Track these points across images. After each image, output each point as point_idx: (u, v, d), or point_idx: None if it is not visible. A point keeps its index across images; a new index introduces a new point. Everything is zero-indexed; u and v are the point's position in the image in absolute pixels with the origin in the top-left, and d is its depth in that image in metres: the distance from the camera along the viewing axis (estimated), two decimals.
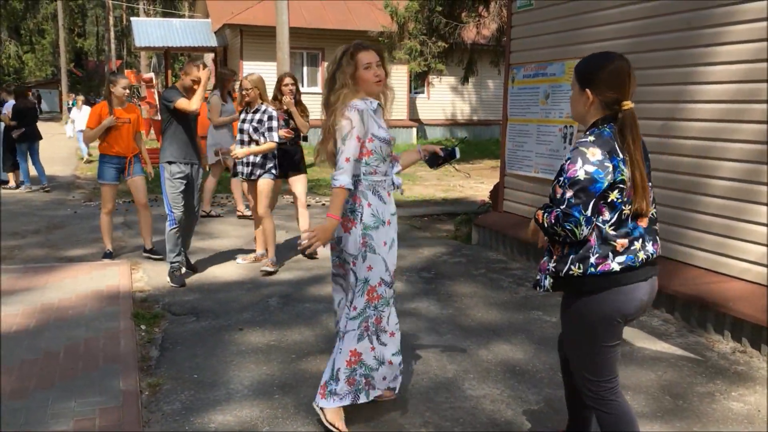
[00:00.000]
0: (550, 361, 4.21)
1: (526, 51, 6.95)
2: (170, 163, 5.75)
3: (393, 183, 3.36)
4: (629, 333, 4.77)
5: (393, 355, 3.36)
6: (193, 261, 6.38)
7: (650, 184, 2.54)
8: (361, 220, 3.20)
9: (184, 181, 5.79)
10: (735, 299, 4.55)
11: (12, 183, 11.69)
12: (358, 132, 3.13)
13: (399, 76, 20.92)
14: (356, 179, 3.19)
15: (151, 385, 3.83)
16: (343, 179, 3.08)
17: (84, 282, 5.69)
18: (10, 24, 50.52)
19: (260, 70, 20.63)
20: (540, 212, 2.57)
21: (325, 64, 21.75)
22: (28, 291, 5.40)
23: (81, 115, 18.02)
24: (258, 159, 6.16)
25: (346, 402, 3.26)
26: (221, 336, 4.63)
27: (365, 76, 3.20)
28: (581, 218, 2.40)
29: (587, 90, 2.52)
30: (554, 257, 2.59)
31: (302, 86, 21.66)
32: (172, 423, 3.40)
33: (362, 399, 3.30)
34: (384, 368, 3.33)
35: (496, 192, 7.58)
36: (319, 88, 21.97)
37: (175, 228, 5.77)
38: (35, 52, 55.65)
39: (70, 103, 24.88)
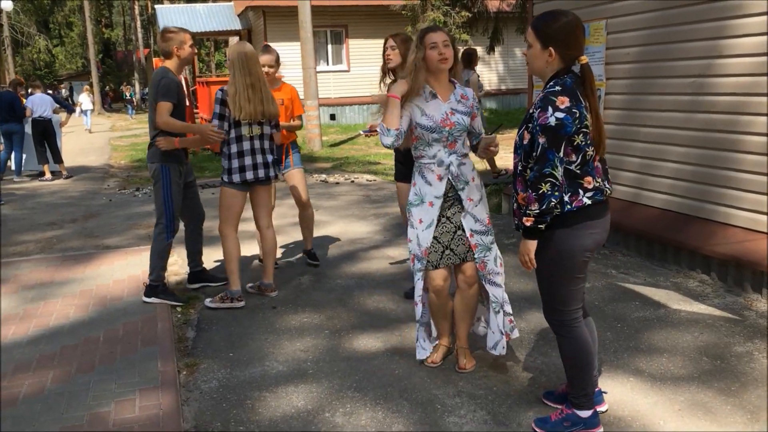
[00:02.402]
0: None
1: None
2: (179, 162, 4.85)
3: (447, 166, 3.46)
4: (664, 296, 4.71)
5: (418, 322, 3.70)
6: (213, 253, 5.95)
7: None
8: (409, 197, 3.59)
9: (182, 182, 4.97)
10: None
11: (48, 175, 11.92)
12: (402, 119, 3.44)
13: None
14: (415, 160, 3.59)
15: (189, 365, 3.90)
16: (385, 143, 3.43)
17: (121, 268, 5.80)
18: (39, 18, 51.21)
19: (285, 51, 20.53)
20: (525, 218, 2.77)
21: (350, 41, 21.70)
22: (68, 280, 5.52)
23: (87, 98, 26.21)
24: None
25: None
26: (255, 315, 4.68)
27: (430, 55, 3.38)
28: (556, 160, 2.68)
29: (550, 47, 2.74)
30: (525, 204, 2.81)
31: (327, 65, 21.64)
32: (210, 401, 3.46)
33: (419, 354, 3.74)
34: (417, 332, 3.75)
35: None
36: (344, 66, 21.93)
37: (171, 242, 4.94)
38: (65, 45, 56.47)
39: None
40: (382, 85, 4.33)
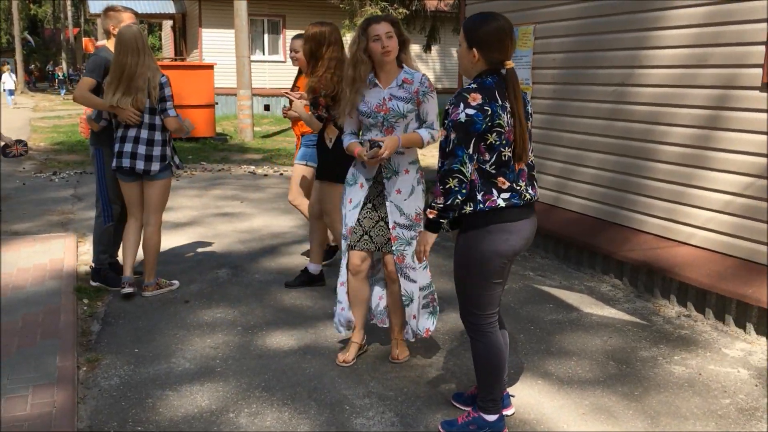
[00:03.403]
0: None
1: None
2: (112, 146, 4.65)
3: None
4: (577, 299, 4.79)
5: (338, 300, 3.73)
6: None
7: (529, 134, 2.85)
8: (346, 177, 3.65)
9: None
10: (682, 264, 4.57)
11: None
12: (347, 110, 3.50)
13: None
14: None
15: (90, 360, 3.72)
16: (348, 140, 3.55)
17: (27, 256, 5.52)
18: None
19: (220, 38, 20.30)
20: (428, 211, 2.78)
21: (287, 31, 21.42)
22: None
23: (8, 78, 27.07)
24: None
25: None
26: (166, 309, 4.52)
27: (373, 47, 3.36)
28: (464, 156, 2.67)
29: (474, 49, 2.76)
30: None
31: (263, 54, 21.32)
32: (108, 399, 3.31)
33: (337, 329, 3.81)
34: (335, 308, 3.78)
35: None
36: (280, 56, 21.65)
37: (111, 224, 4.88)
38: None
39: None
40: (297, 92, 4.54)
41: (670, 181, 4.79)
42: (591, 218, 5.46)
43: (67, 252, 5.65)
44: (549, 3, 5.82)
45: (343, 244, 3.62)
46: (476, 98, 2.68)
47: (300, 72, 5.17)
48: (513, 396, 3.30)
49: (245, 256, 5.80)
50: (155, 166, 4.55)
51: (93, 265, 4.99)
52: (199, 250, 5.98)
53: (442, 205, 2.72)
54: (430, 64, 24.88)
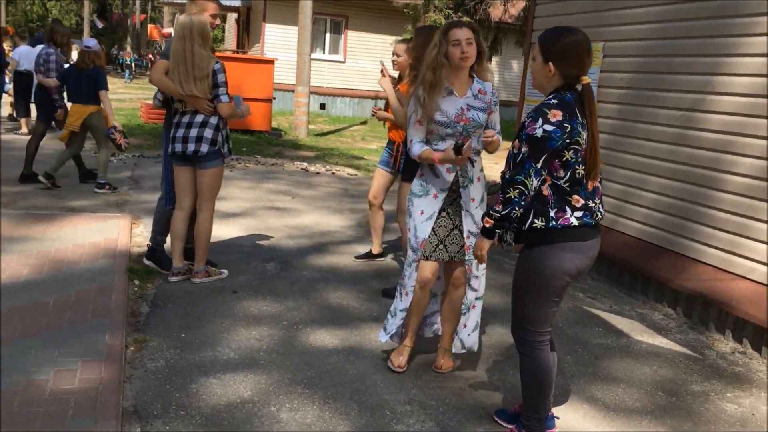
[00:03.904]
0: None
1: None
2: None
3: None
4: (627, 325, 4.68)
5: (400, 310, 3.62)
6: None
7: None
8: (411, 187, 3.57)
9: None
10: (739, 299, 4.42)
11: (24, 129, 11.65)
12: (417, 117, 3.43)
13: None
14: None
15: (138, 341, 3.78)
16: (418, 147, 3.45)
17: (83, 233, 5.65)
18: None
19: (282, 34, 20.51)
20: (486, 218, 2.77)
21: (348, 32, 21.56)
22: (26, 239, 5.36)
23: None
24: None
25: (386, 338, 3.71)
26: (214, 297, 4.57)
27: (452, 52, 3.31)
28: (531, 170, 2.64)
29: (550, 63, 2.72)
30: None
31: (323, 53, 21.48)
32: (154, 380, 3.35)
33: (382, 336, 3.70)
34: (392, 319, 3.66)
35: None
36: (341, 56, 21.78)
37: (171, 208, 4.89)
38: (60, 0, 55.46)
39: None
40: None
41: (734, 213, 4.63)
42: (647, 243, 5.32)
43: (121, 232, 5.76)
44: (620, 22, 5.71)
45: (411, 255, 3.55)
46: (557, 114, 2.64)
47: (400, 77, 5.07)
48: (558, 418, 3.23)
49: (294, 252, 5.83)
50: (204, 148, 4.56)
51: (149, 244, 5.08)
52: (249, 242, 6.03)
53: (499, 215, 2.70)
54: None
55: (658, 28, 5.32)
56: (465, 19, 16.59)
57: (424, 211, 3.49)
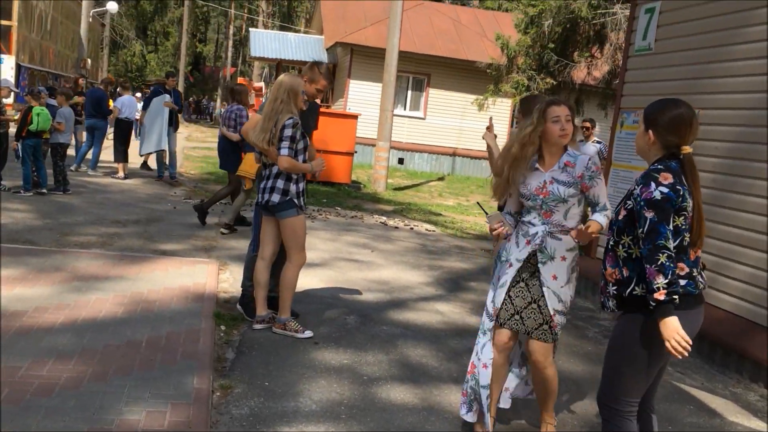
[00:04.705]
0: None
1: (639, 96, 6.71)
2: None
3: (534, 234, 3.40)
4: (721, 405, 4.46)
5: (482, 386, 3.50)
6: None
7: None
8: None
9: None
10: None
11: (121, 173, 12.28)
12: (503, 190, 3.54)
13: (502, 109, 20.75)
14: None
15: (223, 386, 3.86)
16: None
17: (174, 276, 5.86)
18: (139, 24, 53.70)
19: (365, 90, 21.06)
20: (654, 296, 2.57)
21: (430, 89, 21.94)
22: (121, 279, 5.60)
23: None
24: None
25: (463, 412, 3.62)
26: (297, 347, 4.63)
27: (551, 129, 3.35)
28: (668, 232, 2.58)
29: (649, 131, 2.77)
30: (613, 281, 2.76)
31: (404, 109, 21.88)
32: (239, 427, 3.40)
33: (469, 417, 3.58)
34: (475, 397, 3.56)
35: None
36: (421, 113, 22.13)
37: (255, 254, 5.04)
38: (158, 53, 58.87)
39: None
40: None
41: None
42: (743, 319, 5.10)
43: (209, 277, 5.94)
44: (717, 90, 5.62)
45: (486, 323, 3.52)
46: (667, 177, 2.65)
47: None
48: None
49: (373, 306, 5.86)
50: (275, 198, 4.68)
51: (242, 290, 5.25)
52: (329, 293, 6.10)
53: (666, 281, 2.54)
54: None
55: (756, 98, 5.20)
56: (548, 80, 16.64)
57: (501, 277, 3.49)
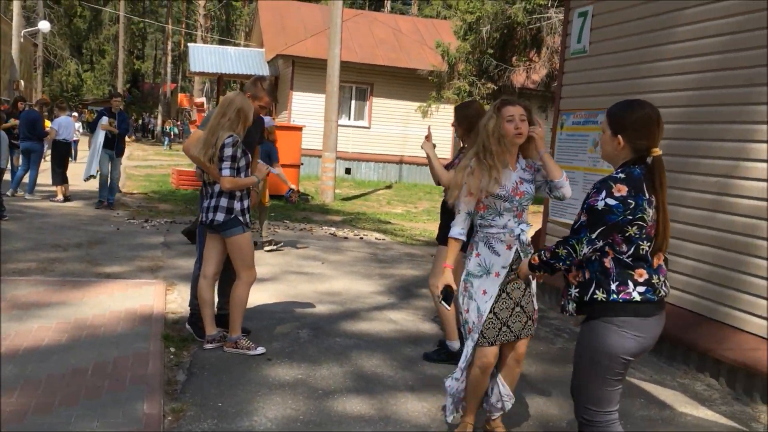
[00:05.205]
0: None
1: (577, 98, 6.86)
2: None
3: (517, 235, 3.42)
4: (670, 396, 4.56)
5: (454, 392, 3.55)
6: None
7: None
8: (466, 266, 3.47)
9: None
10: None
11: (60, 197, 11.93)
12: (471, 188, 3.37)
13: (446, 115, 20.94)
14: (476, 229, 3.49)
15: (175, 410, 3.76)
16: (454, 231, 3.47)
17: (119, 300, 5.70)
18: (73, 43, 52.45)
19: (309, 101, 21.00)
20: (535, 256, 2.92)
21: (374, 99, 22.02)
22: (64, 305, 5.42)
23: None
24: None
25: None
26: (249, 364, 4.55)
27: (506, 128, 3.34)
28: (584, 238, 2.66)
29: (619, 136, 2.72)
30: (576, 283, 2.77)
31: (349, 119, 21.91)
32: None
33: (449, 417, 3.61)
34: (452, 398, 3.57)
35: (537, 238, 7.44)
36: (366, 122, 22.17)
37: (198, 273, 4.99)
38: (94, 71, 57.59)
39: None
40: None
41: None
42: (687, 312, 5.23)
43: (156, 299, 5.81)
44: (649, 89, 5.77)
45: (475, 336, 3.41)
46: (621, 189, 2.62)
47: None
48: None
49: (325, 318, 5.82)
50: (219, 216, 4.60)
51: (190, 309, 5.13)
52: (281, 308, 6.03)
53: (545, 260, 2.84)
54: None
55: (692, 95, 5.37)
56: (488, 85, 16.89)
57: (486, 290, 3.40)
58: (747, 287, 4.77)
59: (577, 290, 2.76)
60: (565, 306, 2.82)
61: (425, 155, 4.62)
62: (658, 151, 2.68)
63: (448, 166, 4.61)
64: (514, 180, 3.41)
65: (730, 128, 5.01)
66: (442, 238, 4.65)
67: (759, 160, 4.77)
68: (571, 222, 6.78)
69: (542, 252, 2.87)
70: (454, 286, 3.43)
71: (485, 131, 3.39)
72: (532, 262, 2.94)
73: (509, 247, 3.40)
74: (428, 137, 4.59)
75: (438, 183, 4.62)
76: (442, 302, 3.45)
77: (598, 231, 2.64)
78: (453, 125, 4.68)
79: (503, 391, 3.56)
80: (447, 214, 4.60)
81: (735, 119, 4.98)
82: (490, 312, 3.37)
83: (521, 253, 3.41)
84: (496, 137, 3.35)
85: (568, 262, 2.74)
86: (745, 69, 4.91)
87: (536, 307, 3.50)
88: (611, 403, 2.74)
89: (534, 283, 3.48)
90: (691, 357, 5.07)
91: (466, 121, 4.53)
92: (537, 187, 3.50)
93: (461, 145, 4.69)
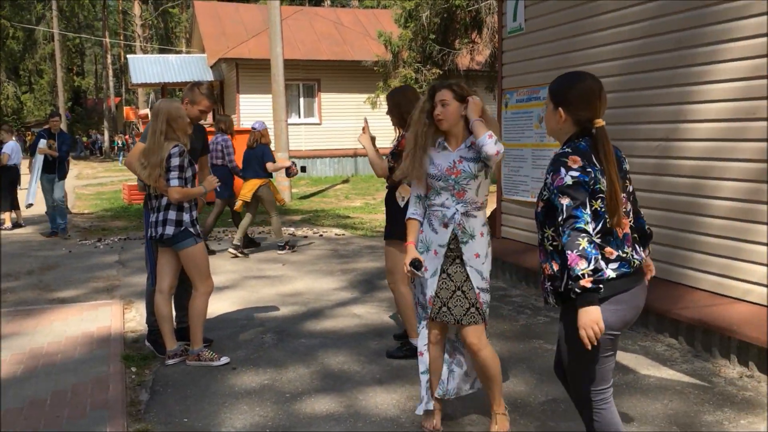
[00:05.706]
0: (553, 392, 4.07)
1: (519, 75, 6.91)
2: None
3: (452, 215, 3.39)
4: (632, 360, 4.64)
5: (421, 373, 3.58)
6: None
7: (625, 196, 2.68)
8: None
9: None
10: (740, 322, 4.41)
11: (8, 224, 11.59)
12: (415, 175, 3.48)
13: None
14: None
15: (140, 431, 3.69)
16: (410, 211, 3.55)
17: (74, 324, 5.56)
18: (9, 65, 50.98)
19: (257, 103, 20.78)
20: (580, 283, 2.44)
21: (322, 94, 21.89)
22: (18, 335, 5.28)
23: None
24: None
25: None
26: (214, 375, 4.49)
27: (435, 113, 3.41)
28: (585, 216, 2.49)
29: (560, 109, 2.68)
30: (547, 275, 2.70)
31: (299, 117, 21.75)
32: None
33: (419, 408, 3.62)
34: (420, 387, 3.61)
35: (493, 218, 7.49)
36: (316, 119, 22.04)
37: (153, 289, 4.88)
38: (34, 92, 56.12)
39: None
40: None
41: (724, 237, 4.67)
42: None
43: (113, 319, 5.69)
44: (583, 61, 5.83)
45: (421, 313, 3.52)
46: (576, 161, 2.55)
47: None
48: None
49: (289, 320, 5.77)
50: (169, 230, 4.52)
51: (147, 326, 5.05)
52: (243, 314, 5.97)
53: (591, 268, 2.43)
54: None
55: (626, 63, 5.44)
56: (434, 71, 16.93)
57: (428, 267, 3.44)
58: (697, 246, 4.87)
59: (550, 283, 2.69)
60: (546, 299, 2.77)
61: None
62: (601, 122, 2.63)
63: (389, 155, 4.58)
64: (452, 159, 3.40)
65: (667, 92, 5.09)
66: (389, 233, 4.63)
67: (697, 121, 4.86)
68: (525, 198, 6.80)
69: (573, 272, 2.45)
70: (421, 258, 3.43)
71: (411, 119, 3.49)
72: (586, 285, 2.43)
73: (445, 226, 3.39)
74: (365, 129, 4.59)
75: (378, 175, 4.61)
76: (415, 270, 3.40)
77: (588, 204, 2.51)
78: (388, 114, 4.65)
79: (459, 371, 3.64)
80: (391, 206, 4.64)
81: (670, 83, 5.06)
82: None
83: (459, 233, 3.37)
84: (416, 126, 3.44)
85: (595, 251, 2.45)
86: (675, 33, 4.99)
87: (483, 300, 3.39)
88: (604, 381, 2.71)
89: (483, 267, 3.40)
90: (649, 319, 5.16)
91: (396, 109, 4.54)
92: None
93: (397, 132, 4.67)
